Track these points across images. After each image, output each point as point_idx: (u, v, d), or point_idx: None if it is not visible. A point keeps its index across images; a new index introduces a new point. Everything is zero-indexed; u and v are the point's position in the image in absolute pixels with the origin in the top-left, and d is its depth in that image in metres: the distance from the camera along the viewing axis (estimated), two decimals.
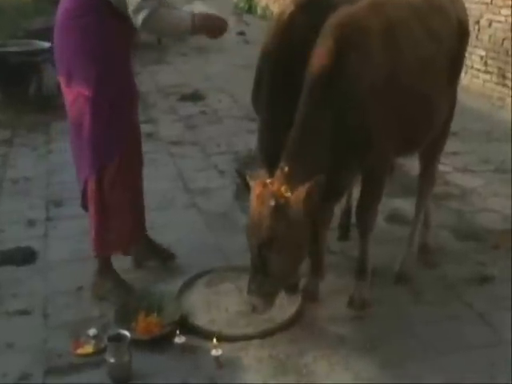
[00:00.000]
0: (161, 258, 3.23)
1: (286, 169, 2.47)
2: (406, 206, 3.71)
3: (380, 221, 3.64)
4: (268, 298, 2.52)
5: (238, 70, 7.23)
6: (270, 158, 2.73)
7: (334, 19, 2.58)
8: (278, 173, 2.50)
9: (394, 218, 3.71)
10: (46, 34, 7.81)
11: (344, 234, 3.49)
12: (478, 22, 6.36)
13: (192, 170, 4.56)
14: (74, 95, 2.77)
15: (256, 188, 2.51)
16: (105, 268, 2.99)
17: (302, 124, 2.53)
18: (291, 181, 2.44)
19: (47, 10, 10.17)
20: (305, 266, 3.04)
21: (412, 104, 2.72)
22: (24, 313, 2.82)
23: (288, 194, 2.42)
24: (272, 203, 2.39)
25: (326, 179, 2.45)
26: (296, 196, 2.41)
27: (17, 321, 2.77)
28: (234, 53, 8.63)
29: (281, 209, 2.40)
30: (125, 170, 2.88)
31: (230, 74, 7.38)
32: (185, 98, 6.47)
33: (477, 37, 6.30)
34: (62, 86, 2.84)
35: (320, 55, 2.52)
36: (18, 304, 2.88)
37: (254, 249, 2.47)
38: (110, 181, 2.85)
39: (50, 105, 5.96)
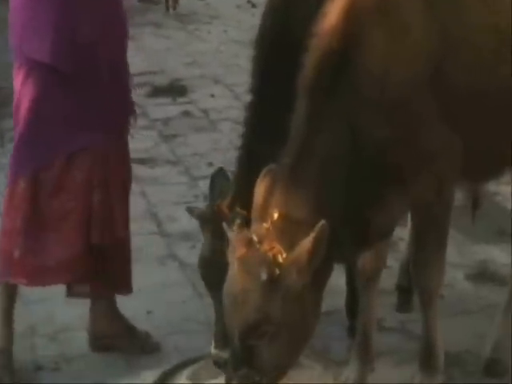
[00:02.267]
0: (135, 341, 3.29)
1: (276, 215, 2.48)
2: (500, 256, 3.72)
3: (460, 279, 3.66)
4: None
5: (240, 48, 7.21)
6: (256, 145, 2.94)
7: None
8: (264, 224, 2.51)
9: (483, 275, 3.72)
10: None
11: (405, 301, 3.49)
12: None
13: (169, 204, 4.64)
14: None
15: (238, 248, 2.52)
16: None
17: (299, 141, 2.56)
18: (285, 231, 2.45)
19: None
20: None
21: (485, 103, 2.72)
22: None
23: (283, 257, 2.44)
24: (263, 277, 2.39)
25: (349, 218, 2.51)
26: (295, 259, 2.39)
27: None
28: (234, 22, 8.67)
29: (275, 282, 2.40)
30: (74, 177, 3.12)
31: (228, 54, 7.44)
32: (159, 91, 6.58)
33: None
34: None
35: (324, 33, 2.54)
36: None
37: (236, 335, 2.48)
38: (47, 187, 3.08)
39: None
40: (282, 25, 2.91)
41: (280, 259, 2.41)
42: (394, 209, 2.70)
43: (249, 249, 2.48)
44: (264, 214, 2.51)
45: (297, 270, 2.42)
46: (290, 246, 2.41)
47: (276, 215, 2.48)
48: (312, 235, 2.37)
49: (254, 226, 2.51)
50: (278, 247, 2.44)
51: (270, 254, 2.43)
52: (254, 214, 2.55)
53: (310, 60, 2.56)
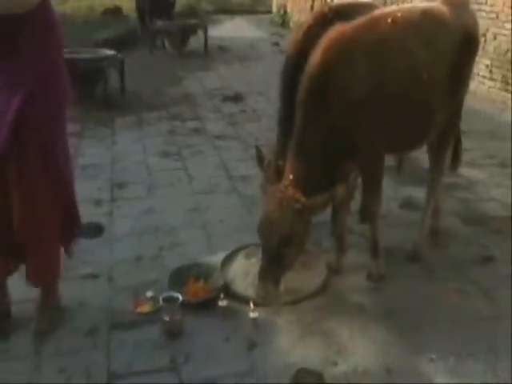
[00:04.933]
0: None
1: (291, 176, 2.48)
2: (418, 194, 3.64)
3: (395, 207, 3.60)
4: (276, 284, 2.53)
5: (273, 76, 7.03)
6: (284, 137, 2.80)
7: (328, 34, 2.51)
8: (285, 179, 2.50)
9: (408, 204, 3.64)
10: (110, 43, 7.96)
11: (362, 218, 3.44)
12: (484, 35, 6.20)
13: (233, 160, 4.54)
14: None
15: (272, 192, 2.51)
16: None
17: (299, 134, 2.51)
18: (299, 185, 2.45)
19: (112, 23, 10.28)
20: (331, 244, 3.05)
21: (403, 110, 2.62)
22: (93, 277, 2.86)
23: (303, 200, 2.42)
24: (297, 207, 2.39)
25: (330, 171, 2.49)
26: (313, 203, 2.42)
27: (87, 284, 2.81)
28: (269, 61, 8.57)
29: (300, 212, 2.41)
30: None
31: (266, 78, 7.31)
32: (227, 99, 6.44)
33: (483, 48, 6.14)
34: None
35: (310, 67, 2.47)
36: (88, 269, 2.91)
37: (273, 244, 2.46)
38: None
39: (113, 103, 6.04)
40: (293, 65, 2.82)
41: (301, 200, 2.42)
42: (349, 166, 2.67)
43: (281, 193, 2.43)
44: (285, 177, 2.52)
45: (312, 209, 2.41)
46: (303, 193, 2.43)
47: (291, 176, 2.47)
48: (326, 194, 2.37)
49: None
50: (298, 193, 2.43)
51: (296, 196, 2.41)
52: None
53: (303, 84, 2.49)
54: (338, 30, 2.52)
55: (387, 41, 2.57)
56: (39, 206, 2.28)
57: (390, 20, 2.62)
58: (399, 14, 2.67)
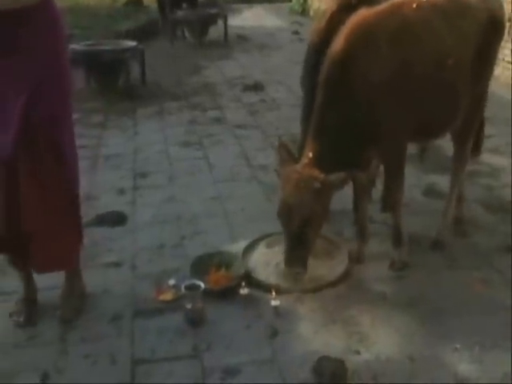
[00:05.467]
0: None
1: (310, 154, 2.44)
2: (441, 181, 3.58)
3: (417, 195, 3.54)
4: (304, 266, 2.52)
5: (292, 65, 7.06)
6: (306, 125, 2.74)
7: (351, 19, 2.48)
8: (303, 159, 2.46)
9: (431, 192, 3.57)
10: (132, 34, 7.98)
11: (384, 207, 3.39)
12: (510, 19, 6.02)
13: (253, 149, 4.51)
14: None
15: (288, 173, 2.47)
16: None
17: (319, 114, 2.47)
18: (317, 165, 2.41)
19: (133, 14, 10.29)
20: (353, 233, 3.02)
21: (428, 96, 2.56)
22: (116, 265, 2.87)
23: (322, 178, 2.38)
24: (316, 185, 2.35)
25: (350, 155, 2.44)
26: (332, 181, 2.38)
27: (110, 271, 2.82)
28: (289, 49, 8.49)
29: (319, 191, 2.37)
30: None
31: (286, 67, 7.25)
32: (247, 88, 6.39)
33: (508, 32, 5.98)
34: None
35: (333, 52, 2.44)
36: (112, 258, 2.92)
37: (294, 227, 2.43)
38: None
39: (135, 94, 6.05)
40: (317, 52, 2.78)
41: (319, 178, 2.37)
42: (371, 153, 2.63)
43: (298, 173, 2.42)
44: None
45: (330, 187, 2.38)
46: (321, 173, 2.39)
47: (310, 155, 2.43)
48: (343, 173, 2.33)
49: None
50: (316, 172, 2.41)
51: (314, 174, 2.39)
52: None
53: (325, 66, 2.47)
54: (361, 14, 2.49)
55: (411, 25, 2.52)
56: (49, 197, 2.29)
57: (414, 4, 2.56)
58: None
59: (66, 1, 9.62)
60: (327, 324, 2.41)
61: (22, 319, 2.43)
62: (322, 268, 2.75)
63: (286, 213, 2.46)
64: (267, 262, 2.83)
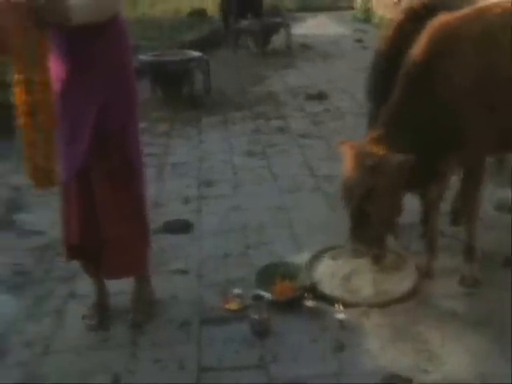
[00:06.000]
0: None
1: (380, 131, 2.43)
2: None
3: (490, 209, 3.43)
4: (372, 245, 2.49)
5: (356, 73, 7.00)
6: None
7: (431, 24, 2.48)
8: (368, 137, 2.46)
9: (504, 206, 3.45)
10: (196, 44, 8.17)
11: (455, 220, 3.32)
12: None
13: (317, 159, 4.51)
14: None
15: (350, 150, 2.47)
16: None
17: (394, 108, 2.47)
18: (381, 146, 2.40)
19: (197, 25, 10.53)
20: (417, 246, 2.97)
21: (511, 103, 2.49)
22: (183, 272, 2.94)
23: (382, 154, 2.37)
24: (373, 160, 2.35)
25: (423, 164, 2.38)
26: (391, 158, 2.36)
27: (177, 278, 2.90)
28: (352, 58, 8.43)
29: (375, 169, 2.36)
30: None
31: (349, 76, 7.20)
32: (311, 97, 6.39)
33: None
34: None
35: (414, 55, 2.44)
36: (179, 265, 3.00)
37: (353, 203, 2.43)
38: None
39: (200, 103, 6.19)
40: (384, 61, 2.81)
41: (380, 154, 2.40)
42: (450, 163, 2.59)
43: (359, 150, 2.45)
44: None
45: (391, 164, 2.36)
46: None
47: (379, 131, 2.49)
48: (402, 155, 2.36)
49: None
50: (377, 148, 2.43)
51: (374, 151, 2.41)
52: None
53: (404, 69, 2.48)
54: (442, 19, 2.50)
55: (495, 30, 2.49)
56: (121, 204, 2.38)
57: (498, 10, 2.54)
58: (509, 5, 2.57)
59: (131, 12, 9.98)
60: (395, 340, 2.38)
61: (94, 323, 2.54)
62: (389, 282, 2.73)
63: (345, 189, 2.48)
64: (332, 274, 2.83)
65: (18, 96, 2.04)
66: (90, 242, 2.40)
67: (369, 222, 2.46)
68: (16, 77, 2.03)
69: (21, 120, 2.08)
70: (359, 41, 9.83)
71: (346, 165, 2.48)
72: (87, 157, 2.29)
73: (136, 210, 2.45)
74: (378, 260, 2.66)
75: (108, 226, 2.37)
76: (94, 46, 2.24)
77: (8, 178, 4.22)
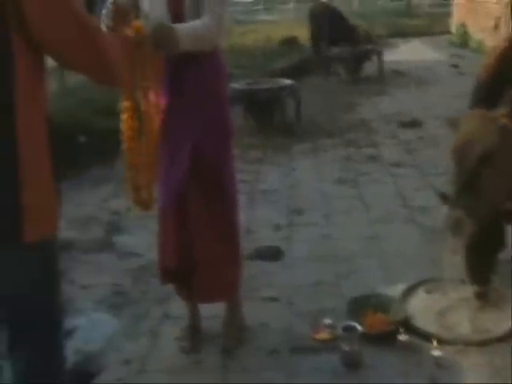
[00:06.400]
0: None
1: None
2: None
3: None
4: (475, 220, 2.30)
5: (452, 99, 6.85)
6: None
7: None
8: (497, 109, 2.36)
9: None
10: (287, 72, 8.34)
11: None
12: None
13: (411, 189, 4.43)
14: None
15: (469, 116, 2.38)
16: None
17: None
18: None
19: (288, 53, 10.75)
20: None
21: None
22: (273, 300, 2.98)
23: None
24: (502, 123, 2.23)
25: None
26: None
27: (268, 306, 2.94)
28: (448, 84, 8.25)
29: (506, 132, 2.23)
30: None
31: (445, 102, 7.03)
32: (404, 124, 6.31)
33: None
34: None
35: None
36: (269, 292, 3.04)
37: (470, 164, 2.25)
38: None
39: (291, 130, 6.30)
40: (486, 89, 2.69)
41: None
42: None
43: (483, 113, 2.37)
44: None
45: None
46: None
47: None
48: None
49: None
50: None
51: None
52: None
53: None
54: None
55: None
56: (215, 228, 2.46)
57: None
58: None
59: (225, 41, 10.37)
60: (493, 381, 2.28)
61: (186, 345, 2.63)
62: (488, 320, 2.62)
63: (464, 148, 2.34)
64: (427, 308, 2.76)
65: (124, 121, 2.19)
66: (184, 266, 2.48)
67: (478, 191, 2.27)
68: (124, 103, 2.19)
69: (125, 144, 2.23)
70: (455, 66, 9.61)
71: (468, 124, 2.36)
72: (185, 181, 2.40)
73: (229, 234, 2.54)
74: (480, 296, 2.55)
75: (201, 249, 2.44)
76: (195, 73, 2.37)
77: (109, 201, 4.50)
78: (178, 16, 2.32)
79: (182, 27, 2.24)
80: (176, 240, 2.44)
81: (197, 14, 2.32)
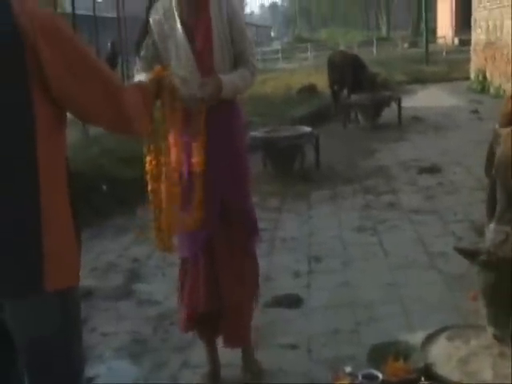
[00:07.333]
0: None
1: None
2: None
3: None
4: None
5: (472, 145, 6.94)
6: (492, 211, 2.64)
7: None
8: None
9: None
10: (306, 119, 8.54)
11: None
12: None
13: (431, 235, 4.47)
14: None
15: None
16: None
17: None
18: None
19: (307, 100, 11.02)
20: None
21: None
22: (292, 347, 3.01)
23: None
24: None
25: None
26: None
27: (287, 353, 2.98)
28: (468, 129, 8.34)
29: None
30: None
31: (464, 148, 7.13)
32: (423, 170, 6.38)
33: None
34: None
35: None
36: (288, 339, 3.08)
37: None
38: None
39: (309, 177, 6.42)
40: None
41: None
42: None
43: None
44: None
45: None
46: None
47: None
48: None
49: None
50: None
51: None
52: None
53: None
54: None
55: None
56: (240, 274, 2.56)
57: None
58: None
59: None
60: None
61: None
62: (510, 367, 2.61)
63: (506, 163, 2.40)
64: (449, 356, 2.76)
65: (148, 163, 2.28)
66: (213, 309, 2.57)
67: None
68: (148, 146, 2.25)
69: (150, 185, 2.30)
70: (475, 112, 9.73)
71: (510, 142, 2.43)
72: (216, 228, 2.50)
73: (252, 281, 2.66)
74: (500, 339, 2.56)
75: (228, 294, 2.54)
76: (211, 119, 2.47)
77: (129, 249, 4.61)
78: (208, 71, 2.46)
79: (229, 78, 2.43)
80: (207, 285, 2.53)
81: (226, 68, 2.49)
